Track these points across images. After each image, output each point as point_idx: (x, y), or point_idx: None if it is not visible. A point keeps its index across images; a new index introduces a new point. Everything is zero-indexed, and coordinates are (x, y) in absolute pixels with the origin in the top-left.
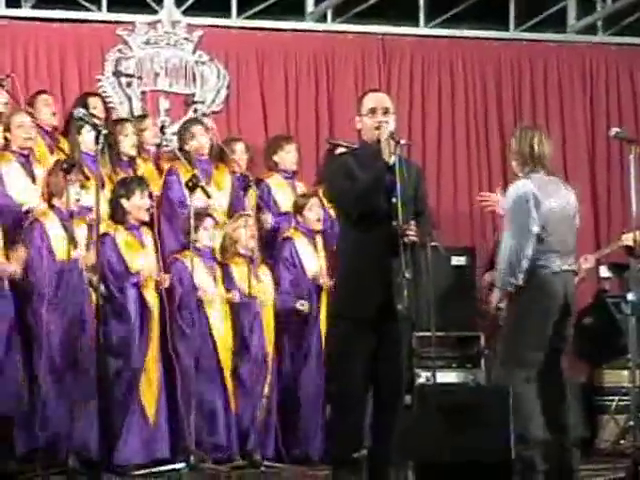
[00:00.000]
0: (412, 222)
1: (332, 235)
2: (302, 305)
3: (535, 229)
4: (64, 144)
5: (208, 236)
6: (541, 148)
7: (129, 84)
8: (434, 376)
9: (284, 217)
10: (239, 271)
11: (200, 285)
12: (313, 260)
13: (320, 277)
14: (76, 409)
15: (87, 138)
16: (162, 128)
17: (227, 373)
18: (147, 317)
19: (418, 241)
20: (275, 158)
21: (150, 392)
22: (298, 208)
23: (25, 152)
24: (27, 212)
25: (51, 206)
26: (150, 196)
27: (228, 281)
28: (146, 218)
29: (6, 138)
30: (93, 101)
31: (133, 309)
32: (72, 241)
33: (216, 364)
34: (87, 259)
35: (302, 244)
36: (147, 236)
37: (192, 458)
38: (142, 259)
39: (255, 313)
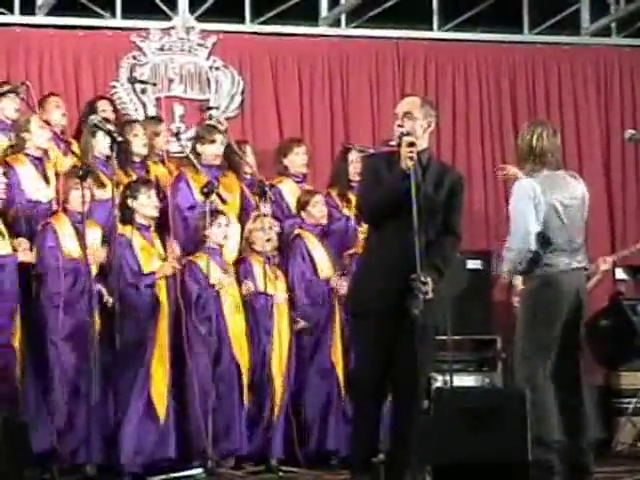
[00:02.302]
0: (429, 279)
1: (339, 236)
2: (302, 325)
3: (533, 229)
4: (76, 148)
5: (221, 234)
6: (540, 143)
7: (144, 90)
8: (451, 380)
9: (293, 219)
10: (258, 267)
11: (216, 282)
12: (324, 257)
13: (332, 279)
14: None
15: (100, 143)
16: (177, 134)
17: (244, 374)
18: (158, 318)
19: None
20: (285, 161)
21: (159, 393)
22: (301, 206)
23: (39, 155)
24: (36, 202)
25: (63, 209)
26: (162, 197)
27: (245, 275)
28: (154, 214)
29: (21, 139)
30: (102, 104)
31: (146, 310)
32: (83, 244)
33: (234, 366)
34: (97, 258)
35: (311, 243)
36: (156, 239)
37: (209, 463)
38: (155, 260)
39: (270, 311)
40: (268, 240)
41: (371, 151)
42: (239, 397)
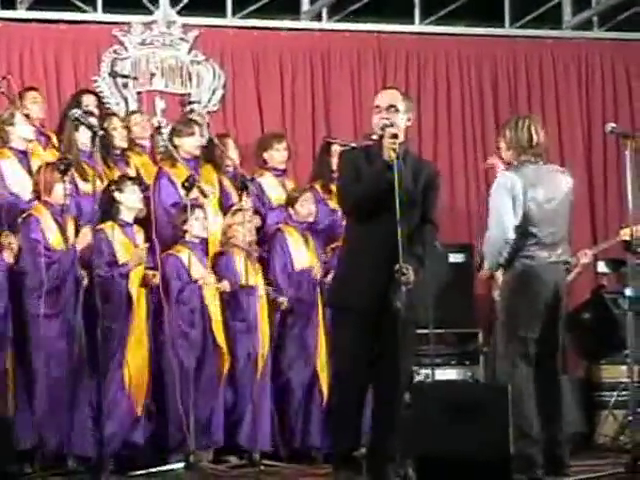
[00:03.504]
0: (411, 269)
1: (327, 231)
2: (281, 301)
3: (509, 220)
4: (56, 141)
5: (200, 227)
6: (537, 137)
7: (125, 85)
8: (433, 373)
9: (275, 212)
10: (237, 260)
11: (198, 276)
12: (304, 254)
13: (313, 270)
14: (75, 406)
15: (82, 136)
16: (159, 128)
17: (226, 367)
18: (132, 310)
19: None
20: (265, 155)
21: (138, 387)
22: (290, 201)
23: (23, 148)
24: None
25: (42, 202)
26: (145, 189)
27: (226, 269)
28: (140, 205)
29: (5, 133)
30: (86, 98)
31: (120, 301)
32: (64, 234)
33: (217, 358)
34: (140, 258)
35: (292, 238)
36: (138, 235)
37: (191, 457)
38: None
39: (251, 303)
40: (248, 234)
41: (353, 145)
42: (219, 389)
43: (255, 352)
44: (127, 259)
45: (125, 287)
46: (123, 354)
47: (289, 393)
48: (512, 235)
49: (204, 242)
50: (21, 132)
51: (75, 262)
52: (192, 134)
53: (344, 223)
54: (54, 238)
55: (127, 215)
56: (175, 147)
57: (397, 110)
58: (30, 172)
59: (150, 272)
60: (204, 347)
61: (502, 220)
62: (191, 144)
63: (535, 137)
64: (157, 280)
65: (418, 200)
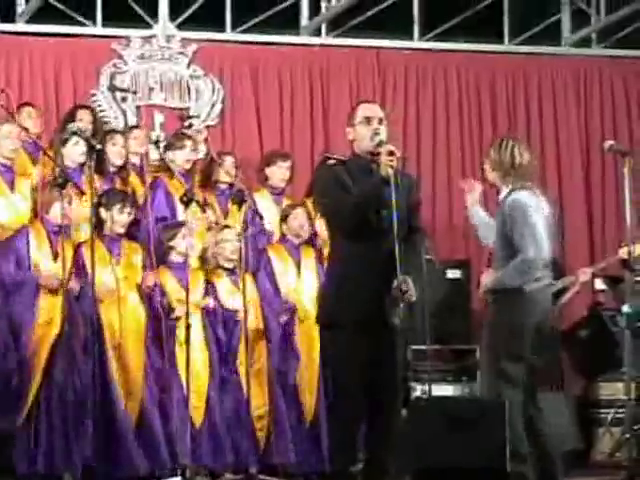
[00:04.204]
0: (407, 280)
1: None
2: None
3: (545, 243)
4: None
5: (186, 244)
6: (519, 159)
7: (124, 98)
8: (430, 389)
9: (263, 233)
10: (220, 283)
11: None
12: (289, 275)
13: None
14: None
15: (72, 151)
16: (157, 142)
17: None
18: (100, 333)
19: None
20: (266, 171)
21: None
22: (283, 216)
23: (8, 163)
24: None
25: (40, 218)
26: (134, 206)
27: (208, 292)
28: (121, 232)
29: None
30: (80, 113)
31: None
32: (55, 256)
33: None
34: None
35: (279, 259)
36: (126, 249)
37: (187, 472)
38: (105, 275)
39: (233, 327)
40: (234, 251)
41: (343, 158)
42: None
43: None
44: (105, 276)
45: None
46: (108, 374)
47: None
48: (548, 256)
49: (186, 261)
50: (8, 145)
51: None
52: (182, 147)
53: (331, 241)
54: (40, 257)
55: (113, 230)
56: (170, 161)
57: (383, 124)
58: (12, 187)
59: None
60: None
61: (539, 239)
62: (182, 157)
63: (518, 159)
64: (151, 282)
65: (405, 212)
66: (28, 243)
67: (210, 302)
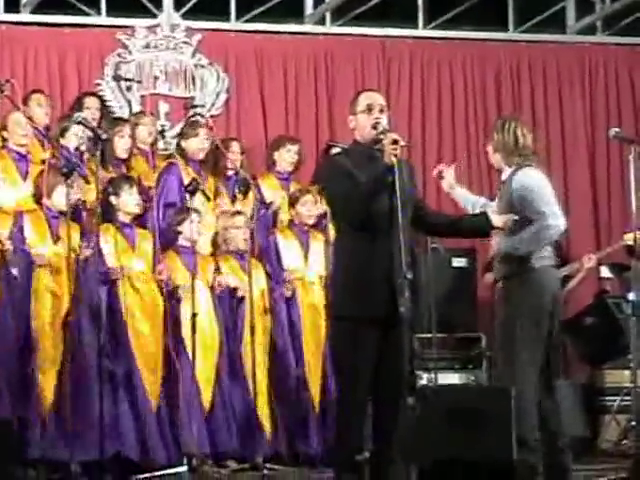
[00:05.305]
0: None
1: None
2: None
3: (561, 213)
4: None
5: (193, 230)
6: (523, 140)
7: (129, 88)
8: (435, 378)
9: (270, 216)
10: (228, 266)
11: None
12: (296, 256)
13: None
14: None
15: (74, 140)
16: (162, 132)
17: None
18: (117, 318)
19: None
20: (275, 155)
21: (152, 391)
22: (292, 201)
23: (23, 151)
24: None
25: (40, 205)
26: (145, 191)
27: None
28: (137, 210)
29: (3, 137)
30: (88, 101)
31: (103, 307)
32: (56, 240)
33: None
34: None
35: (286, 240)
36: (138, 236)
37: (194, 461)
38: (132, 258)
39: (241, 309)
40: (244, 239)
41: (345, 146)
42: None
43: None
44: (123, 262)
45: (109, 293)
46: (133, 357)
47: (284, 398)
48: (564, 226)
49: (194, 246)
50: (18, 132)
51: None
52: (196, 135)
53: (337, 231)
54: (38, 241)
55: (125, 217)
56: (183, 150)
57: (384, 112)
58: (26, 175)
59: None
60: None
61: (556, 210)
62: (196, 145)
63: (521, 139)
64: (164, 275)
65: (410, 198)
66: (21, 228)
67: (218, 282)
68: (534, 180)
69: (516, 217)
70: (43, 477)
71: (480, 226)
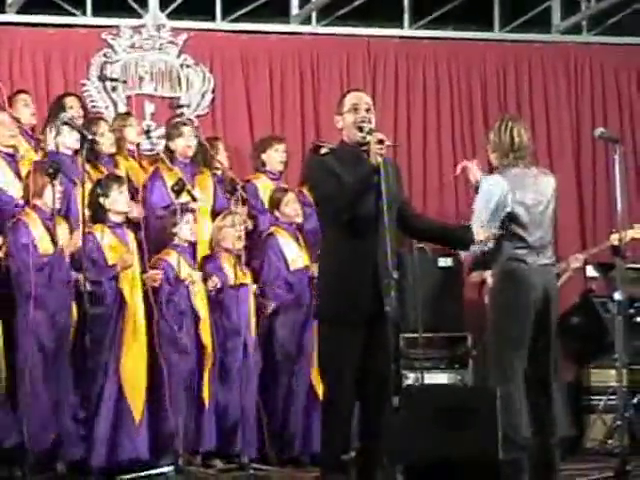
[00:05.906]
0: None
1: (314, 233)
2: (271, 307)
3: (493, 229)
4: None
5: (189, 231)
6: (519, 139)
7: (114, 88)
8: (422, 377)
9: (268, 216)
10: (226, 262)
11: (187, 276)
12: (297, 254)
13: (310, 269)
14: (62, 409)
15: (67, 139)
16: (148, 132)
17: (209, 368)
18: (123, 313)
19: None
20: (263, 156)
21: (136, 392)
22: (274, 204)
23: (10, 151)
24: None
25: (32, 206)
26: (135, 192)
27: (214, 270)
28: (126, 209)
29: None
30: (69, 100)
31: (110, 302)
32: (53, 239)
33: (202, 361)
34: (73, 245)
35: (284, 239)
36: (129, 237)
37: (180, 460)
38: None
39: (243, 302)
40: (238, 237)
41: (332, 146)
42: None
43: (243, 353)
44: (117, 261)
45: (115, 289)
46: (118, 358)
47: (279, 397)
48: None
49: (192, 246)
50: (4, 132)
51: (65, 266)
52: (181, 134)
53: (324, 232)
54: (43, 243)
55: (116, 217)
56: (172, 152)
57: (371, 112)
58: (19, 174)
59: (153, 272)
60: (191, 349)
61: (479, 222)
62: (184, 143)
63: (517, 140)
64: (158, 279)
65: (396, 198)
66: (28, 229)
67: (217, 282)
68: (485, 185)
69: (496, 231)
70: (28, 477)
71: (462, 238)
